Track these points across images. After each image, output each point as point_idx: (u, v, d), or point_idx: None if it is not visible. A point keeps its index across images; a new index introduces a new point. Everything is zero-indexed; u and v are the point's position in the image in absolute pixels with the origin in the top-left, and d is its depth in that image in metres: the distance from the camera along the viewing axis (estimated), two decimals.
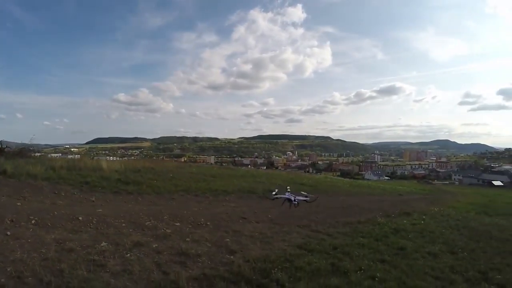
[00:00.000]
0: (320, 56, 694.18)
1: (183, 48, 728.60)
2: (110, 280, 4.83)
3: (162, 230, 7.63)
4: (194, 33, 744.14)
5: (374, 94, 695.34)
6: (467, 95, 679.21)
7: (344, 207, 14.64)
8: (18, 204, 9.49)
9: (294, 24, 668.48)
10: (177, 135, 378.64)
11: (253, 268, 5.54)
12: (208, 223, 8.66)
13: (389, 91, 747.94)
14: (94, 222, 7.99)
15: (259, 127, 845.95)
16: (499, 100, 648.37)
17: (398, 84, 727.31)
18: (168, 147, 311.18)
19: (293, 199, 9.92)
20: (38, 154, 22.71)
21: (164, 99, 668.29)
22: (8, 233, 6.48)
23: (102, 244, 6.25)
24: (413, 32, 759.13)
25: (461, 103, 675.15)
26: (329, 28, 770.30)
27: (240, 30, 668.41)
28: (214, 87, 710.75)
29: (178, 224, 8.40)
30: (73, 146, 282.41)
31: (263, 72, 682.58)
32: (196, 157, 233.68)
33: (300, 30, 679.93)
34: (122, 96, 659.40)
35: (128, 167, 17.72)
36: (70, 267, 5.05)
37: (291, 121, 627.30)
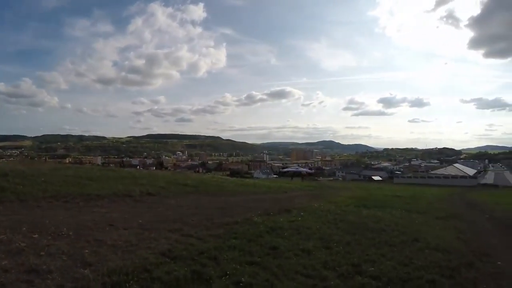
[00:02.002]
0: (215, 57, 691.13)
1: (76, 35, 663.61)
2: None
3: (17, 244, 6.72)
4: (89, 20, 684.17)
5: (265, 96, 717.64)
6: (351, 101, 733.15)
7: (224, 207, 14.47)
8: None
9: (193, 22, 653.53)
10: (62, 133, 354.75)
11: (104, 282, 5.11)
12: (70, 233, 7.85)
13: (279, 94, 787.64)
14: None
15: (149, 125, 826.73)
16: (380, 107, 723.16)
17: (288, 89, 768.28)
18: (52, 146, 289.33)
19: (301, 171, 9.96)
20: None
21: (48, 91, 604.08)
22: None
23: None
24: (308, 42, 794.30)
25: (345, 109, 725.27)
26: (227, 30, 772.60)
27: (138, 22, 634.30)
28: (104, 82, 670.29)
29: (36, 236, 7.49)
30: None
31: (156, 68, 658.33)
32: (82, 158, 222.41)
33: (198, 29, 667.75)
34: (1, 86, 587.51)
35: None
36: None
37: (182, 120, 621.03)
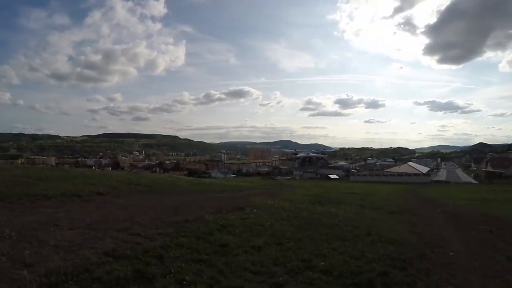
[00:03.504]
0: (174, 54, 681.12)
1: (30, 27, 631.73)
2: None
3: None
4: (45, 11, 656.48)
5: (223, 96, 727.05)
6: (308, 102, 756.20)
7: (176, 206, 14.31)
8: None
9: (152, 18, 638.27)
10: (14, 132, 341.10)
11: (42, 283, 4.93)
12: (13, 234, 7.51)
13: (238, 94, 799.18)
14: None
15: (105, 124, 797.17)
16: (336, 108, 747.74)
17: (246, 88, 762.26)
18: (3, 146, 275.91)
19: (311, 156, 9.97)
20: None
21: (0, 87, 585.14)
22: None
23: None
24: (267, 43, 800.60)
25: (303, 109, 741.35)
26: (187, 27, 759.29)
27: (96, 15, 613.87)
28: (58, 77, 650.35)
29: None
30: None
31: (113, 64, 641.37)
32: (35, 158, 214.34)
33: (158, 25, 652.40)
34: None
35: None
36: None
37: (138, 119, 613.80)
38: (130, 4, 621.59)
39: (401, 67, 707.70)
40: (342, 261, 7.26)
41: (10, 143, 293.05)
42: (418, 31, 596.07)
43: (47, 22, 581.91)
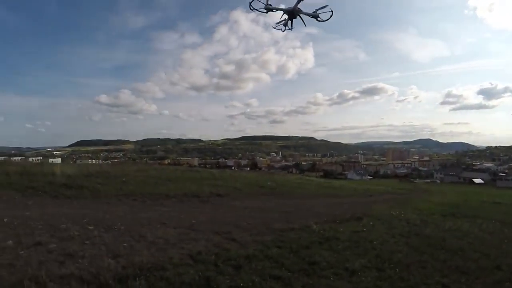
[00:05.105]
0: (302, 57, 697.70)
1: (165, 48, 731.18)
2: None
3: (71, 233, 7.70)
4: (176, 34, 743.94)
5: (357, 94, 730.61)
6: (448, 95, 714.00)
7: (290, 211, 13.86)
8: None
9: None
10: (160, 137, 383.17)
11: (117, 273, 5.44)
12: (122, 228, 8.53)
13: (371, 91, 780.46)
14: (15, 223, 8.28)
15: (243, 128, 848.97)
16: (480, 99, 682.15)
17: (380, 85, 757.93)
18: (151, 149, 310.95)
19: None
20: (2, 158, 23.49)
21: (146, 100, 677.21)
22: None
23: (8, 242, 6.72)
24: (395, 34, 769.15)
25: (442, 103, 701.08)
26: (312, 28, 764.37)
27: (222, 30, 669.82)
28: (197, 88, 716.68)
29: (91, 227, 8.36)
30: (56, 149, 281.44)
31: (245, 73, 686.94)
32: (180, 159, 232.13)
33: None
34: (103, 98, 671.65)
35: (82, 171, 17.93)
36: None
37: (275, 122, 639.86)
38: (252, 15, 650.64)
39: None
40: None
41: (158, 146, 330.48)
42: None
43: (180, 42, 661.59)
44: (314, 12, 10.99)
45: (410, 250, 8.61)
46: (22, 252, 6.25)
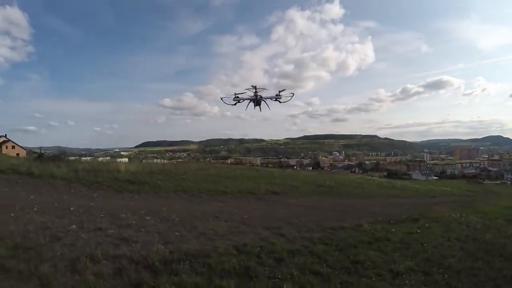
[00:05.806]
0: (362, 52, 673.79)
1: (224, 51, 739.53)
2: (56, 248, 6.08)
3: (129, 221, 8.41)
4: (234, 36, 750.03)
5: (420, 89, 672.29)
6: None
7: (344, 210, 13.75)
8: (32, 197, 11.52)
9: (333, 21, 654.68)
10: (223, 137, 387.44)
11: (165, 257, 5.89)
12: (177, 219, 9.15)
13: (436, 85, 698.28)
14: (80, 212, 9.29)
15: (305, 127, 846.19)
16: None
17: (445, 78, 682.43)
18: (215, 149, 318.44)
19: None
20: (73, 158, 25.19)
21: (209, 102, 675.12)
22: (12, 215, 8.39)
23: (72, 226, 7.60)
24: (456, 22, 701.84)
25: None
26: (369, 22, 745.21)
27: (279, 30, 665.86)
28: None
29: (148, 218, 9.08)
30: (123, 150, 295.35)
31: (305, 71, 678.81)
32: (242, 159, 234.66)
33: (340, 27, 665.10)
34: (167, 101, 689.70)
35: (145, 169, 19.21)
36: (37, 236, 6.58)
37: (337, 120, 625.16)
38: (307, 13, 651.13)
39: None
40: None
41: (221, 146, 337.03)
42: None
43: (238, 45, 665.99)
44: (276, 95, 11.99)
45: (464, 255, 7.83)
46: (84, 235, 6.98)
